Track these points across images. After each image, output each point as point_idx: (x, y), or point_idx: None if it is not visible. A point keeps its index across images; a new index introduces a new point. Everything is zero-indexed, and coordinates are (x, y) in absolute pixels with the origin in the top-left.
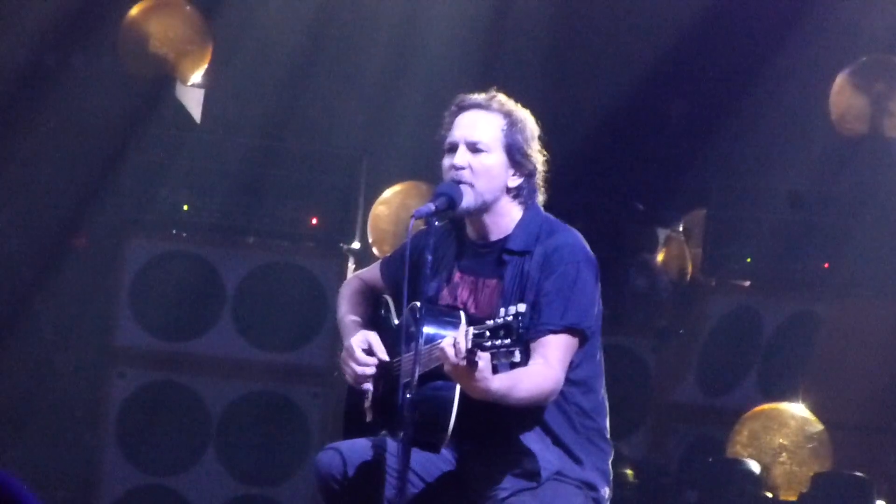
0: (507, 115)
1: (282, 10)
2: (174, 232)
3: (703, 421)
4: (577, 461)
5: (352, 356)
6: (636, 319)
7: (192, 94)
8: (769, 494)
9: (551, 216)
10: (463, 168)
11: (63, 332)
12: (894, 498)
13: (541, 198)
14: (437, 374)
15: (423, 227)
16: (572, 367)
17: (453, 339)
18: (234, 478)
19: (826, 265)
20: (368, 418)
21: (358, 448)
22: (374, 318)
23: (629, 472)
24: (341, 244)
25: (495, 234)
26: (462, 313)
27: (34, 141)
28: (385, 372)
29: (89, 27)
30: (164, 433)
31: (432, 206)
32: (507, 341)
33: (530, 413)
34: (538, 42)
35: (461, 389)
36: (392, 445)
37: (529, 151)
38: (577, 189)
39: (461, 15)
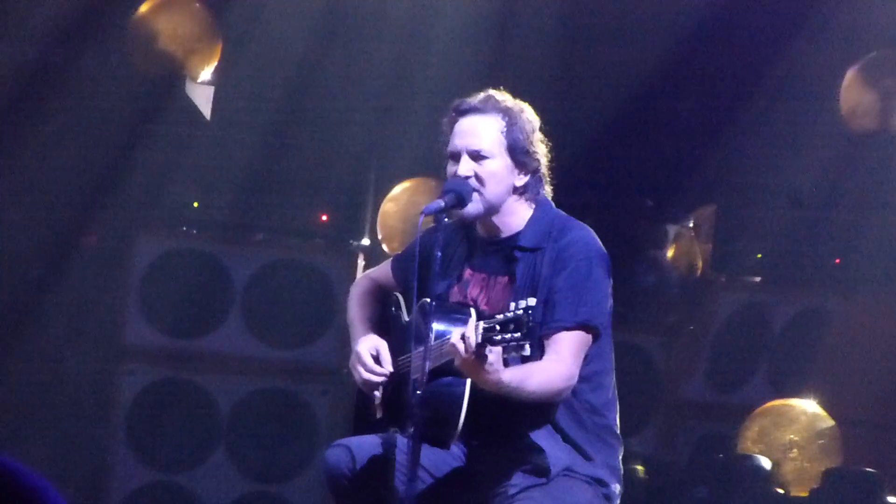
0: (505, 113)
1: (291, 7)
2: (183, 229)
3: (713, 417)
4: (587, 457)
5: (361, 363)
6: (645, 316)
7: (201, 92)
8: (780, 490)
9: (563, 213)
10: (468, 178)
11: (72, 330)
12: None
13: (548, 188)
14: (447, 371)
15: (432, 224)
16: (583, 363)
17: (463, 334)
18: (243, 475)
19: (836, 261)
20: (378, 415)
21: (367, 445)
22: (384, 317)
23: (639, 468)
24: (350, 241)
25: (505, 232)
26: (472, 309)
27: (43, 139)
28: (394, 371)
29: (98, 25)
30: (174, 430)
31: (441, 203)
32: (517, 335)
33: (540, 409)
34: (546, 40)
35: (471, 385)
36: (401, 442)
37: (532, 148)
38: (585, 186)
39: (470, 12)
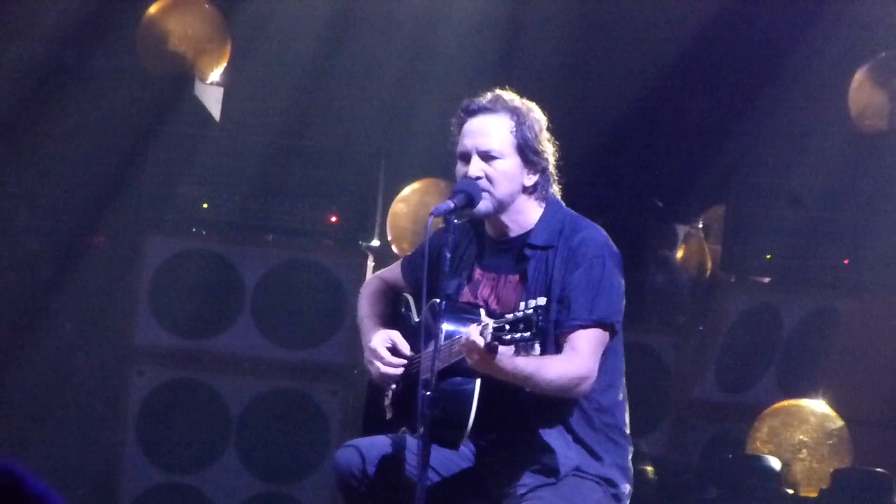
0: (514, 112)
1: (300, 8)
2: (193, 230)
3: (723, 417)
4: (597, 457)
5: (378, 357)
6: (655, 316)
7: (210, 93)
8: (789, 491)
9: (574, 212)
10: (478, 178)
11: (83, 331)
12: None
13: (556, 188)
14: (457, 371)
15: (442, 224)
16: None
17: (472, 333)
18: (253, 475)
19: (846, 261)
20: (388, 415)
21: (377, 445)
22: (394, 317)
23: (649, 468)
24: (360, 242)
25: (515, 231)
26: (482, 310)
27: (53, 139)
28: (406, 369)
29: (108, 25)
30: (184, 431)
31: (451, 204)
32: (527, 334)
33: (550, 409)
34: (556, 40)
35: (482, 385)
36: (411, 442)
37: (541, 147)
38: (595, 186)
39: (479, 12)
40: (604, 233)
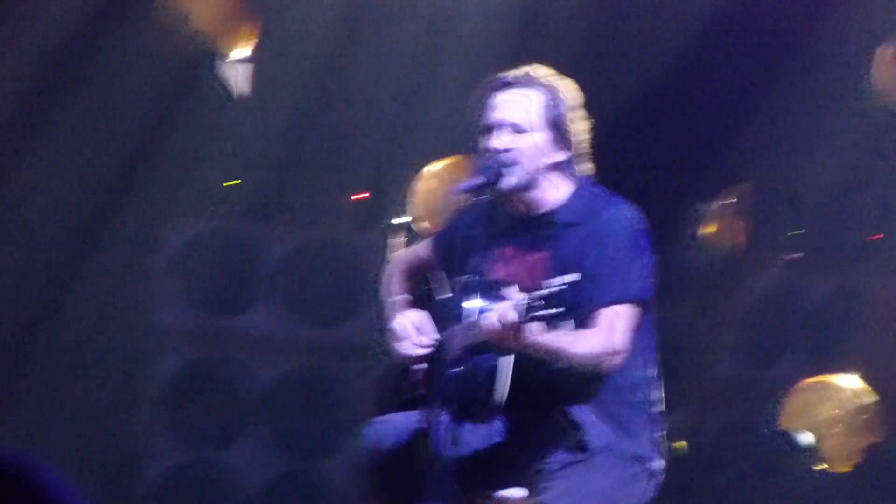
0: (549, 89)
1: None
2: (216, 209)
3: (750, 394)
4: (629, 433)
5: (405, 336)
6: (681, 293)
7: (231, 72)
8: (822, 466)
9: (604, 188)
10: (506, 150)
11: (106, 312)
12: None
13: (589, 166)
14: (486, 347)
15: (468, 201)
16: None
17: (503, 309)
18: (279, 453)
19: (873, 238)
20: (416, 392)
21: (405, 421)
22: (419, 295)
23: (680, 444)
24: (384, 220)
25: (543, 208)
26: (512, 286)
27: (72, 119)
28: (434, 347)
29: (127, 4)
30: (210, 409)
31: (477, 181)
32: (559, 310)
33: (581, 385)
34: (574, 19)
35: (512, 361)
36: (441, 418)
37: (572, 125)
38: (619, 164)
39: None
40: (634, 209)
